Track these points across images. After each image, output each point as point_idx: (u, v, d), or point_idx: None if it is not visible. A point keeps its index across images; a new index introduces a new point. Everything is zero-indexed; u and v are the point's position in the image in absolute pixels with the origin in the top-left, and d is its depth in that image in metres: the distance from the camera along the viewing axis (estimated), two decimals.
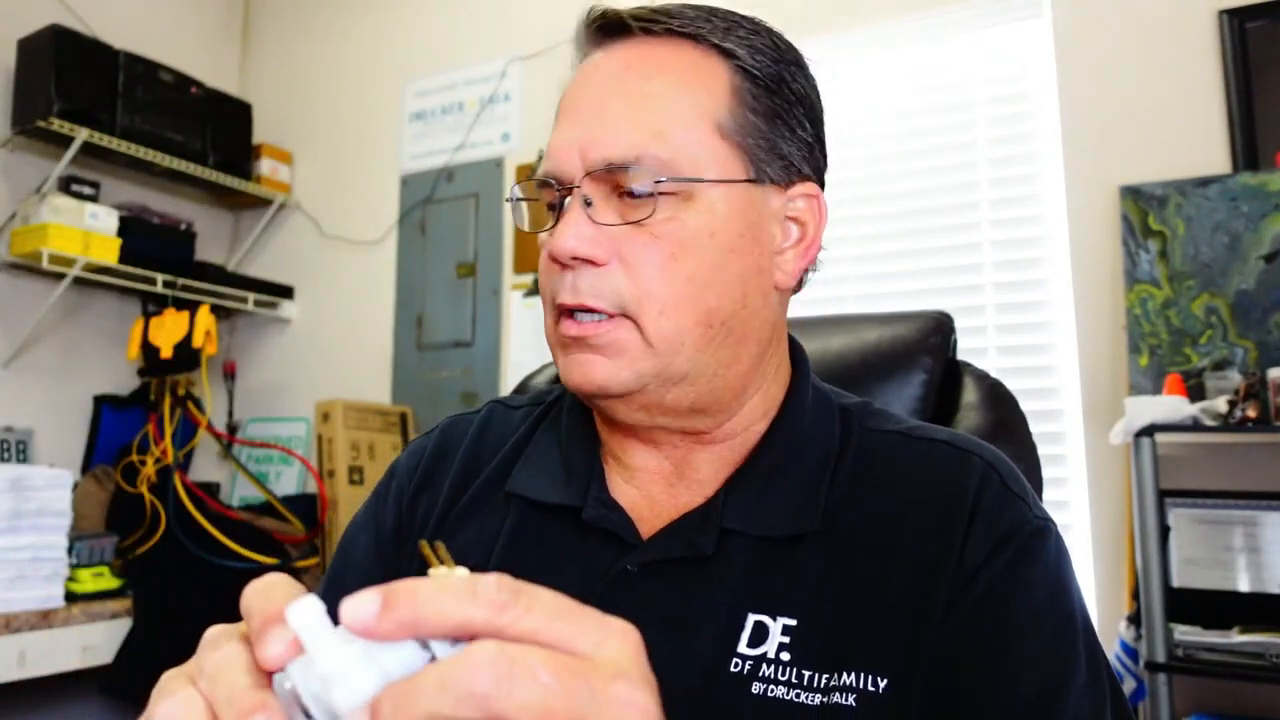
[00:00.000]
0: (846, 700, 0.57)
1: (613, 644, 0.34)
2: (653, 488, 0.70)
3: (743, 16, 0.69)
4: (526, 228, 0.71)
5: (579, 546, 0.68)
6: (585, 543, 0.68)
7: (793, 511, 0.65)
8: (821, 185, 0.71)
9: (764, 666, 0.60)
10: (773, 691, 0.59)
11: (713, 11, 0.68)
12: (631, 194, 0.63)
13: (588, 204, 0.63)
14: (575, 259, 0.63)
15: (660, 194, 0.62)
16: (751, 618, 0.62)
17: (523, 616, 0.33)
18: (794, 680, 0.59)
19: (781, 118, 0.67)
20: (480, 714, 0.31)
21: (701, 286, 0.63)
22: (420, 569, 0.73)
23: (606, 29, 0.68)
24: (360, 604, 0.32)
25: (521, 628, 0.33)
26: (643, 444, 0.70)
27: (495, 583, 0.33)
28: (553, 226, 0.66)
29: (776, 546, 0.64)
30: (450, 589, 0.33)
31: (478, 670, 0.31)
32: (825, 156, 0.72)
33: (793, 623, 0.61)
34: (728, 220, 0.64)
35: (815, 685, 0.58)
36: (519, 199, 0.70)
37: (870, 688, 0.58)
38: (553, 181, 0.66)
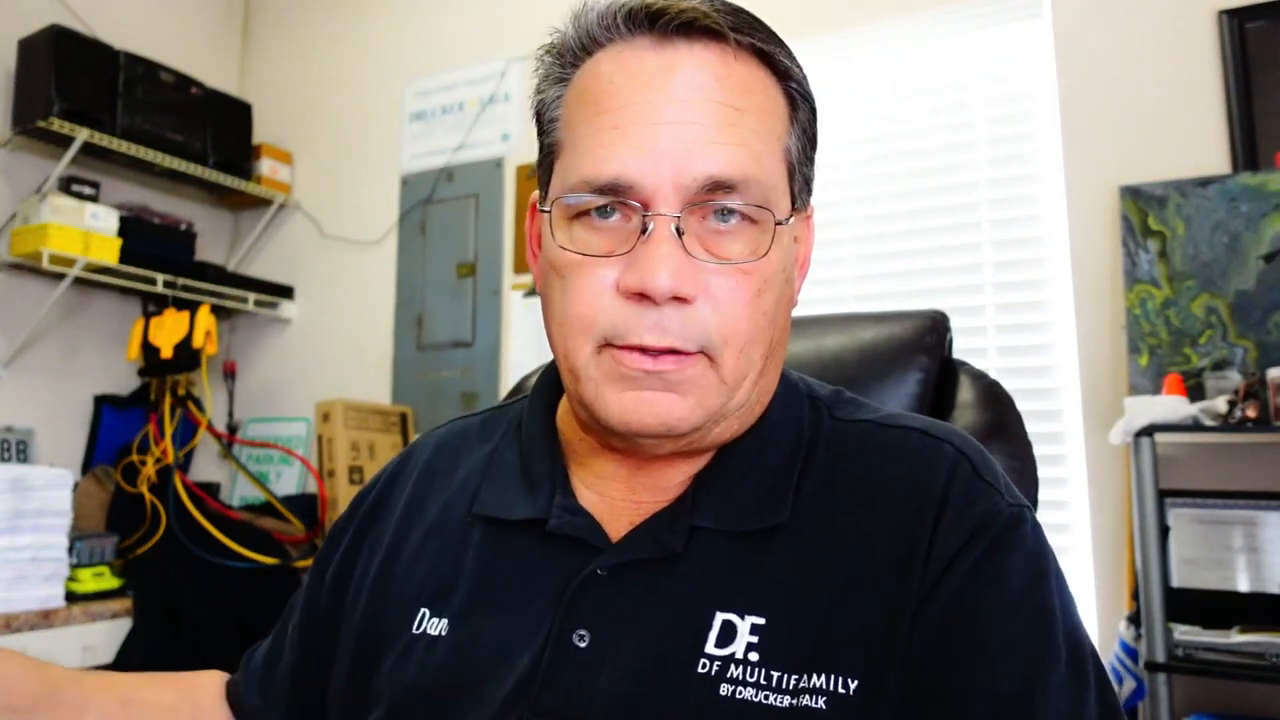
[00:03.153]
0: (816, 703, 0.56)
1: None
2: (616, 493, 0.68)
3: (762, 23, 0.64)
4: (575, 247, 0.60)
5: (547, 557, 0.66)
6: (553, 552, 0.66)
7: (762, 504, 0.64)
8: None
9: (732, 667, 0.58)
10: (741, 693, 0.57)
11: (753, 20, 0.63)
12: (721, 221, 0.59)
13: (679, 233, 0.58)
14: (675, 297, 0.58)
15: (749, 222, 0.60)
16: (719, 616, 0.60)
17: None
18: (763, 681, 0.57)
19: (814, 143, 0.67)
20: None
21: (773, 321, 0.62)
22: (371, 613, 0.71)
23: (688, 29, 0.60)
24: None
25: None
26: (613, 457, 0.68)
27: None
28: (628, 251, 0.58)
29: (746, 542, 0.63)
30: None
31: None
32: None
33: (761, 621, 0.59)
34: (787, 253, 0.64)
35: (784, 687, 0.57)
36: (588, 207, 0.60)
37: (840, 689, 0.56)
38: (624, 196, 0.59)
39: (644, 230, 0.58)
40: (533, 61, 0.68)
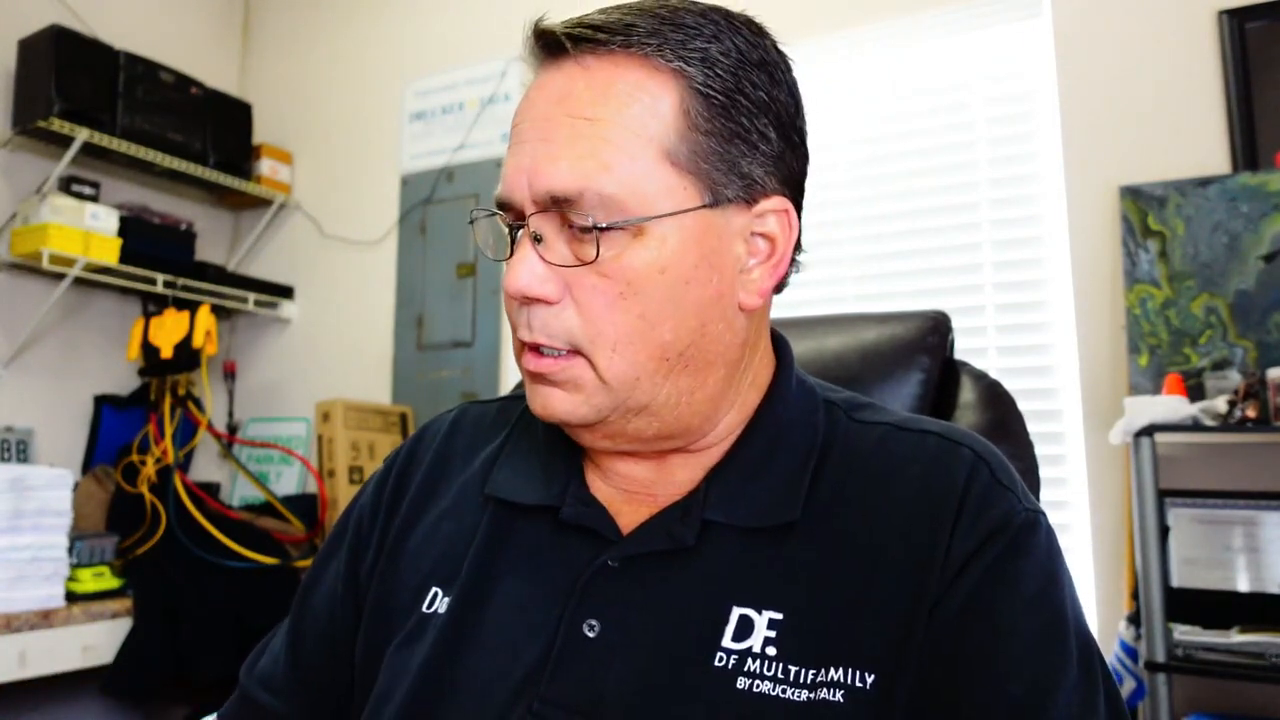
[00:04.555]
0: (834, 696, 0.57)
1: None
2: (629, 488, 0.69)
3: (704, 16, 0.64)
4: (490, 254, 0.69)
5: (557, 545, 0.67)
6: (564, 541, 0.67)
7: (775, 501, 0.64)
8: (798, 190, 0.68)
9: (749, 661, 0.59)
10: (758, 687, 0.58)
11: (665, 19, 0.62)
12: (579, 228, 0.61)
13: (538, 240, 0.62)
14: (528, 298, 0.62)
15: (607, 229, 0.60)
16: (736, 611, 0.61)
17: None
18: (780, 675, 0.58)
19: (740, 136, 0.63)
20: None
21: (653, 323, 0.62)
22: (384, 591, 0.72)
23: (547, 47, 0.64)
24: None
25: None
26: (619, 455, 0.69)
27: None
28: (509, 257, 0.64)
29: (762, 538, 0.63)
30: None
31: None
32: (803, 158, 0.68)
33: (779, 616, 0.60)
34: (680, 253, 0.61)
35: (802, 681, 0.58)
36: (484, 215, 0.68)
37: (858, 684, 0.57)
38: (503, 209, 0.65)
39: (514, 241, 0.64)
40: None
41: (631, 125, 0.61)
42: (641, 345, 0.62)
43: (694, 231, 0.62)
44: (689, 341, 0.63)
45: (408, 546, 0.74)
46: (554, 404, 0.64)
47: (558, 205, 0.61)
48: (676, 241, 0.62)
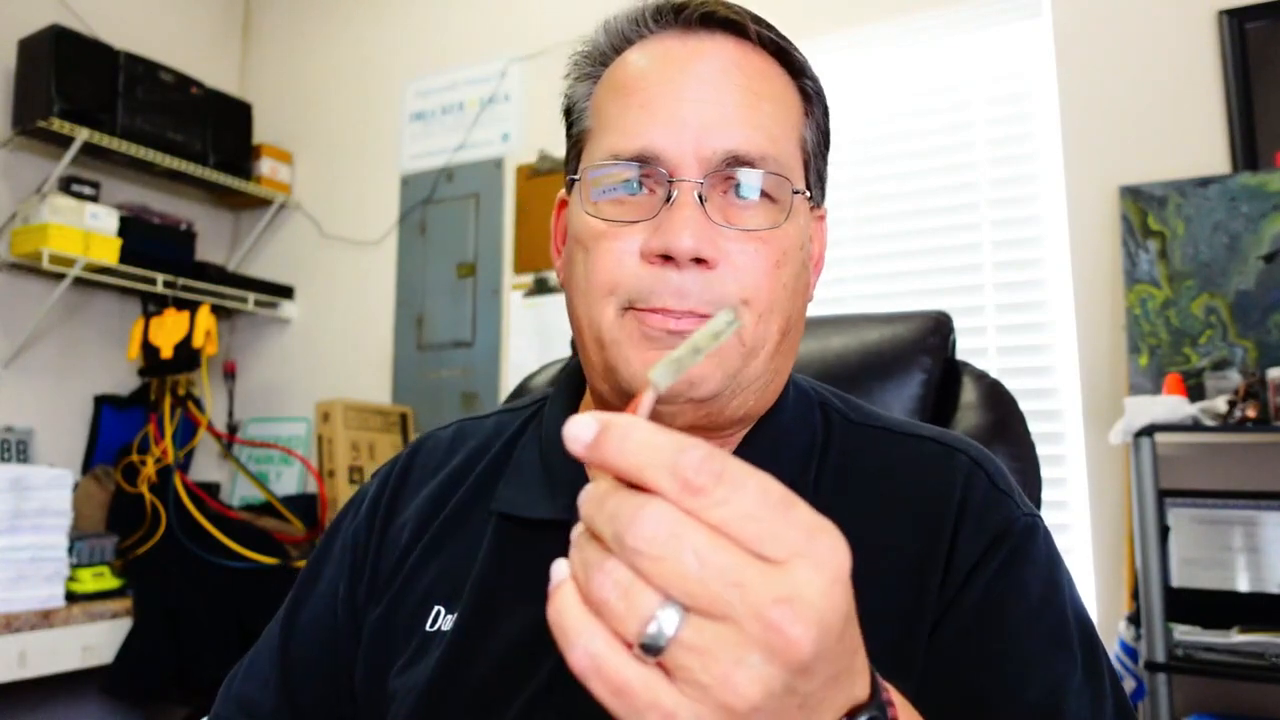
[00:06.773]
0: None
1: (804, 566, 0.31)
2: None
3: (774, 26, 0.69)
4: (604, 214, 0.63)
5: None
6: None
7: None
8: None
9: None
10: None
11: (772, 25, 0.68)
12: (738, 194, 0.61)
13: (701, 200, 0.61)
14: (696, 259, 0.60)
15: (767, 199, 0.62)
16: None
17: (711, 508, 0.31)
18: None
19: (828, 143, 0.70)
20: (625, 564, 0.31)
21: (791, 295, 0.64)
22: (387, 612, 0.70)
23: (709, 20, 0.64)
24: (579, 427, 0.33)
25: (708, 518, 0.31)
26: None
27: (698, 462, 0.31)
28: (653, 219, 0.61)
29: None
30: (652, 450, 0.32)
31: (641, 526, 0.31)
32: None
33: None
34: (806, 235, 0.66)
35: None
36: (617, 179, 0.63)
37: None
38: (651, 166, 0.61)
39: (668, 199, 0.61)
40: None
41: (784, 111, 0.65)
42: (779, 316, 0.63)
43: (808, 220, 0.67)
44: (795, 320, 0.66)
45: (407, 566, 0.72)
46: (693, 370, 0.60)
47: (730, 166, 0.61)
48: (804, 223, 0.66)
